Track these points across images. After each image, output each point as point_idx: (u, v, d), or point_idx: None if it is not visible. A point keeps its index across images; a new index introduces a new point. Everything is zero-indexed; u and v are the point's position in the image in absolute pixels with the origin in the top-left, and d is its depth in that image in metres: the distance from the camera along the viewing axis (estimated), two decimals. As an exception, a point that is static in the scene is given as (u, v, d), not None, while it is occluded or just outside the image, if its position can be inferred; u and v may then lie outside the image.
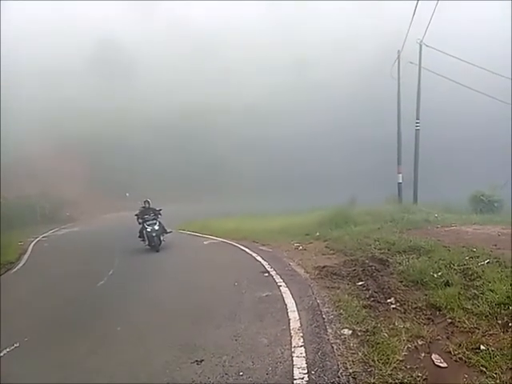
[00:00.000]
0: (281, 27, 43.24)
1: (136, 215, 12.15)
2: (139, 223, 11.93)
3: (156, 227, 11.62)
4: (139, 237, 11.87)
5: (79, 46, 40.42)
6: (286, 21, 43.18)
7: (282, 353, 3.91)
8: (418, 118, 18.33)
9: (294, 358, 3.77)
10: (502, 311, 4.15)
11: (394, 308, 4.98)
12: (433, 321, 4.45)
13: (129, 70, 40.37)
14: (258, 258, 9.15)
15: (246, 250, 10.61)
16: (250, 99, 39.86)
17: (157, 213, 12.10)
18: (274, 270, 7.72)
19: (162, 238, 11.79)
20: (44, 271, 10.20)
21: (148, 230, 11.53)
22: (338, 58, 39.85)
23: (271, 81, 40.10)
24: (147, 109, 40.21)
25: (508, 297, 4.32)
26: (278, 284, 6.60)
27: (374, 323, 4.47)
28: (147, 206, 12.25)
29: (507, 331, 3.75)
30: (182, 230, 17.16)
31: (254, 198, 30.98)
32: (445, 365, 3.47)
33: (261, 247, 11.05)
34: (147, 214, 11.93)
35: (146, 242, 11.57)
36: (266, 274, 7.43)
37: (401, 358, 3.62)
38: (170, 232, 12.72)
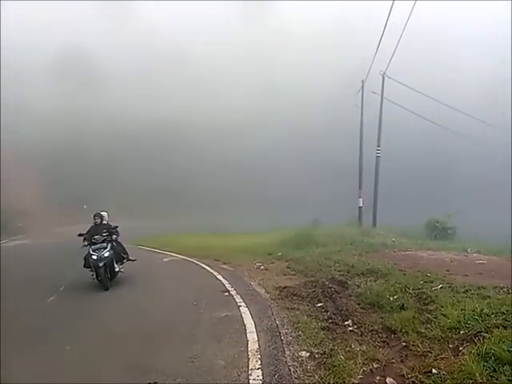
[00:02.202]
0: (253, 44, 44.07)
1: (81, 235, 8.52)
2: (84, 246, 8.31)
3: (106, 253, 8.10)
4: (84, 266, 8.35)
5: (43, 50, 39.11)
6: (258, 38, 44.10)
7: (238, 375, 3.84)
8: (378, 146, 19.14)
9: (250, 381, 3.71)
10: (454, 335, 4.29)
11: (351, 330, 5.04)
12: (388, 344, 4.54)
13: (95, 80, 39.45)
14: (219, 277, 9.03)
15: (207, 268, 10.45)
16: (218, 115, 40.07)
17: (112, 231, 8.65)
18: (235, 289, 7.64)
19: (118, 268, 8.52)
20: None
21: (93, 257, 7.99)
22: (306, 83, 41.11)
23: (239, 103, 40.59)
24: (113, 119, 39.35)
25: (459, 321, 4.47)
26: (238, 304, 6.52)
27: (331, 345, 4.49)
28: (99, 221, 8.74)
29: (458, 355, 3.87)
30: (141, 245, 16.63)
31: (218, 215, 30.80)
32: (398, 388, 3.52)
33: (222, 265, 10.91)
34: (98, 232, 8.42)
35: (93, 274, 8.15)
36: (227, 294, 7.33)
37: (356, 382, 3.65)
38: (134, 260, 9.28)
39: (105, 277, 7.97)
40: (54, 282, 8.48)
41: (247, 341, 4.76)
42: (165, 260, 12.66)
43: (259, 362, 4.11)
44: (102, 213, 8.95)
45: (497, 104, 30.36)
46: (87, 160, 37.29)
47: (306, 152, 36.54)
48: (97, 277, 8.04)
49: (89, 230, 8.61)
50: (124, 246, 9.17)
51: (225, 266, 10.81)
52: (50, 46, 38.81)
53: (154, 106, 40.21)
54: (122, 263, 8.88)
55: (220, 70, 43.50)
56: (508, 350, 3.51)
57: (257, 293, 7.38)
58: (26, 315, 6.36)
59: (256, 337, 4.89)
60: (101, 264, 7.92)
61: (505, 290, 5.65)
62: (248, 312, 6.00)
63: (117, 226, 8.94)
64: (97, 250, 8.12)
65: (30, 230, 26.80)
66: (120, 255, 8.75)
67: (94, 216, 8.79)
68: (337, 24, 41.17)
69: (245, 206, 33.46)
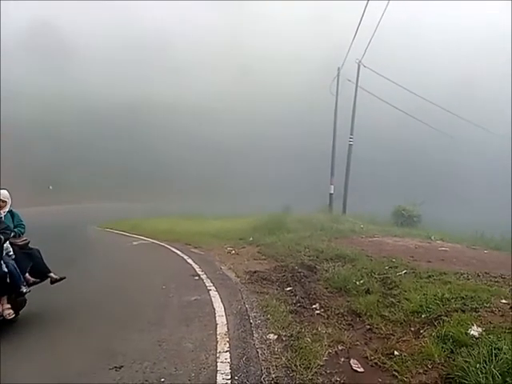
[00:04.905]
0: (231, 30, 43.33)
1: None
2: None
3: None
4: None
5: (15, 26, 36.81)
6: (235, 24, 43.40)
7: (206, 358, 3.84)
8: (351, 134, 19.40)
9: (218, 364, 3.72)
10: (415, 319, 4.45)
11: (318, 314, 5.15)
12: (353, 327, 4.67)
13: (69, 58, 37.66)
14: (189, 261, 8.99)
15: (177, 252, 10.38)
16: (195, 99, 39.33)
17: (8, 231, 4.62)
18: (205, 273, 7.62)
19: (25, 290, 4.77)
20: None
21: None
22: (283, 71, 40.93)
23: (216, 85, 39.95)
24: (87, 98, 37.81)
25: (421, 305, 4.63)
26: (208, 288, 6.51)
27: (298, 328, 4.57)
28: None
29: (418, 338, 4.03)
30: (110, 228, 16.27)
31: (191, 199, 30.49)
32: (362, 370, 3.64)
33: (193, 250, 10.87)
34: None
35: None
36: (197, 278, 7.30)
37: (322, 363, 3.74)
38: (60, 280, 5.35)
39: None
40: None
41: (216, 324, 4.77)
42: (134, 243, 12.46)
43: (227, 345, 4.14)
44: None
45: (471, 98, 31.41)
46: (58, 140, 35.77)
47: (281, 139, 36.60)
48: None
49: None
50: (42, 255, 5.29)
51: (196, 250, 10.77)
52: (22, 22, 36.65)
53: (132, 87, 38.97)
54: (34, 284, 5.13)
55: (198, 54, 42.58)
56: (465, 333, 3.68)
57: (227, 277, 7.39)
58: None
59: (225, 320, 4.91)
60: None
61: (465, 275, 5.90)
62: (218, 296, 6.01)
63: (21, 224, 5.24)
64: None
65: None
66: (36, 270, 5.12)
67: None
68: (315, 12, 41.00)
69: (219, 191, 33.31)
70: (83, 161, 35.41)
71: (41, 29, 37.01)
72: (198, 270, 8.01)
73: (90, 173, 33.82)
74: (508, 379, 2.82)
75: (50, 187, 25.64)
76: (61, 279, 5.37)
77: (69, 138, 36.35)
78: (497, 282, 5.54)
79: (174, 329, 4.65)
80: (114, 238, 14.30)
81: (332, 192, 20.06)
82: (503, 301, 4.47)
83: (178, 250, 10.75)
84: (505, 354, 3.10)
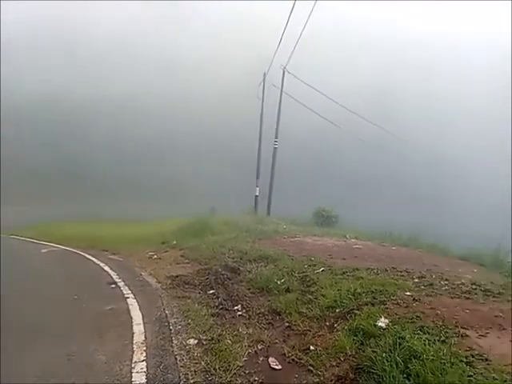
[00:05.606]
0: (154, 31, 42.01)
1: None
2: None
3: None
4: None
5: None
6: (160, 21, 42.17)
7: (120, 370, 3.65)
8: (276, 137, 19.93)
9: (133, 374, 3.55)
10: (330, 314, 4.67)
11: (240, 315, 5.17)
12: (273, 325, 4.76)
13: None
14: (106, 268, 8.45)
15: (93, 259, 9.70)
16: (116, 98, 37.29)
17: None
18: (123, 280, 7.22)
19: None
20: None
21: None
22: (209, 71, 40.70)
23: (137, 85, 38.37)
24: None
25: (335, 301, 4.88)
26: (126, 296, 6.18)
27: (219, 331, 4.54)
28: None
29: (333, 332, 4.23)
30: (16, 235, 14.69)
31: (111, 202, 28.77)
32: (279, 367, 3.71)
33: (110, 256, 10.27)
34: None
35: None
36: (113, 286, 6.88)
37: (241, 364, 3.75)
38: None
39: None
40: None
41: (133, 333, 4.55)
42: (43, 251, 11.35)
43: (144, 354, 3.98)
44: None
45: (386, 107, 34.23)
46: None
47: (207, 141, 36.36)
48: None
49: None
50: None
51: (113, 257, 10.18)
52: None
53: (48, 81, 35.61)
54: None
55: (116, 49, 40.54)
56: (374, 325, 3.94)
57: (147, 283, 7.10)
58: None
59: (143, 329, 4.70)
60: None
61: (375, 271, 6.35)
62: (136, 303, 5.74)
63: None
64: None
65: None
66: None
67: None
68: (243, 18, 41.51)
69: (141, 194, 31.98)
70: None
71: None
72: (115, 277, 7.56)
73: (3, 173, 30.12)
74: (409, 365, 3.06)
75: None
76: None
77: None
78: (402, 276, 6.05)
79: (86, 341, 4.32)
80: (20, 245, 12.92)
81: (257, 194, 20.42)
82: (407, 293, 4.87)
83: (93, 256, 10.04)
84: (407, 342, 3.36)
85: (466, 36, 39.27)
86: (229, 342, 4.21)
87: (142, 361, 3.83)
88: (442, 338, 3.44)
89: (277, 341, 4.28)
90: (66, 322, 5.00)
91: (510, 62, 30.79)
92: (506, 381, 2.73)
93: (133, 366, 3.72)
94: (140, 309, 5.48)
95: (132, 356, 3.93)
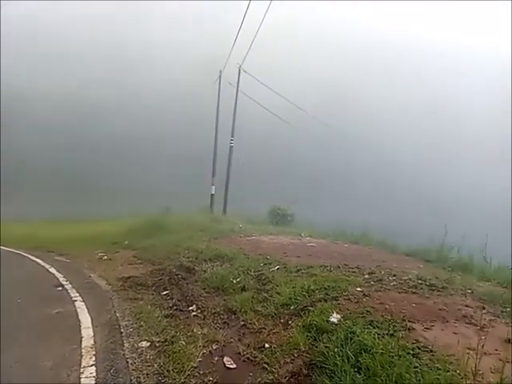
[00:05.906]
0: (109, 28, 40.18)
1: None
2: None
3: None
4: None
5: None
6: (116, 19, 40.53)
7: (68, 376, 3.48)
8: (232, 136, 19.86)
9: (81, 380, 3.41)
10: (285, 311, 4.73)
11: (194, 315, 5.09)
12: (228, 324, 4.74)
13: None
14: (52, 270, 8.02)
15: (38, 260, 9.17)
16: (72, 92, 35.32)
17: None
18: (70, 282, 6.89)
19: None
20: None
21: None
22: (164, 67, 39.68)
23: (90, 82, 36.59)
24: None
25: (290, 298, 4.95)
26: (73, 299, 5.90)
27: (173, 332, 4.45)
28: None
29: (287, 329, 4.28)
30: None
31: (58, 200, 27.24)
32: (234, 366, 3.70)
33: (57, 257, 9.76)
34: None
35: None
36: (60, 288, 6.54)
37: (195, 365, 3.70)
38: None
39: None
40: None
41: (81, 337, 4.35)
42: (-21, 253, 10.55)
43: (93, 359, 3.82)
44: None
45: (334, 106, 35.14)
46: None
47: (163, 139, 35.45)
48: None
49: None
50: None
51: (60, 258, 9.69)
52: None
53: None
54: None
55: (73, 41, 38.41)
56: (326, 320, 4.03)
57: (96, 285, 6.82)
58: None
59: (92, 332, 4.52)
60: None
61: (328, 268, 6.51)
62: (84, 306, 5.50)
63: None
64: None
65: None
66: None
67: None
68: (202, 11, 40.90)
69: (91, 191, 30.54)
70: None
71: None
72: (61, 279, 7.18)
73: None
74: (360, 359, 3.16)
75: None
76: None
77: None
78: (354, 272, 6.25)
79: (31, 347, 4.11)
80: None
81: (213, 193, 20.25)
82: (358, 289, 5.04)
83: (38, 258, 9.49)
84: (358, 336, 3.47)
85: (452, 44, 40.75)
86: (183, 343, 4.13)
87: (92, 365, 3.68)
88: (391, 332, 3.59)
89: (232, 340, 4.26)
90: (8, 327, 4.66)
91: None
92: (448, 370, 2.90)
93: (81, 371, 3.57)
94: (89, 312, 5.25)
95: (80, 361, 3.76)
